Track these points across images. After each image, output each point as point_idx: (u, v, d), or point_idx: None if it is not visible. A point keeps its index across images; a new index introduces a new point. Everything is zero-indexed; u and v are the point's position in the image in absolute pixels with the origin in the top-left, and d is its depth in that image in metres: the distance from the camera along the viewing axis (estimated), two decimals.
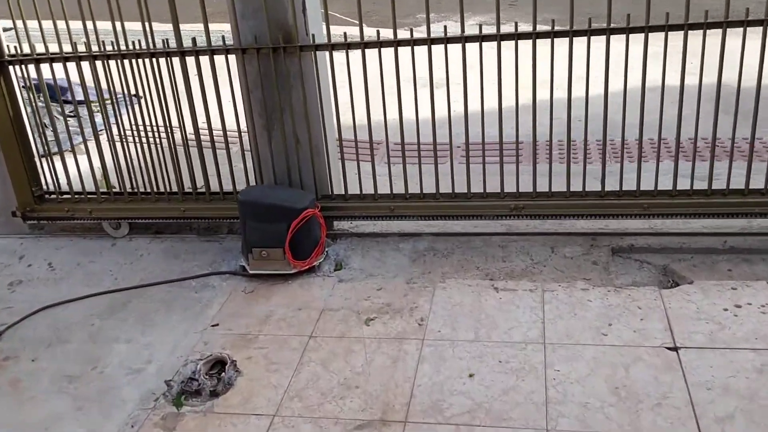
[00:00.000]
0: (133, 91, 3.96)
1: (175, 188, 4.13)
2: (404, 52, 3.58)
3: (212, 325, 3.44)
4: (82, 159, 4.24)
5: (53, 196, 4.35)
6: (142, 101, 3.95)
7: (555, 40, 3.41)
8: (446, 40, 3.53)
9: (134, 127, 4.01)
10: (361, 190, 3.95)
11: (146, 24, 3.75)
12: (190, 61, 3.84)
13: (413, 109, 3.68)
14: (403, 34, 3.59)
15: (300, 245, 3.70)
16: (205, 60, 3.81)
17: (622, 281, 3.48)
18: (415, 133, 3.70)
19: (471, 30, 3.52)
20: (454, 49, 3.55)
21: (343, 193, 3.98)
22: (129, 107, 3.99)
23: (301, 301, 3.56)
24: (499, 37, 3.47)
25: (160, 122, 4.00)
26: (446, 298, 3.45)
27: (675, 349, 2.96)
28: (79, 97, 4.13)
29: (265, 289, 3.70)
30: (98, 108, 4.07)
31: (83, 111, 4.32)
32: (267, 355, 3.18)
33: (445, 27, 3.54)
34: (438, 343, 3.13)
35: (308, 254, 3.74)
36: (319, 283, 3.71)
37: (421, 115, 3.68)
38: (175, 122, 3.97)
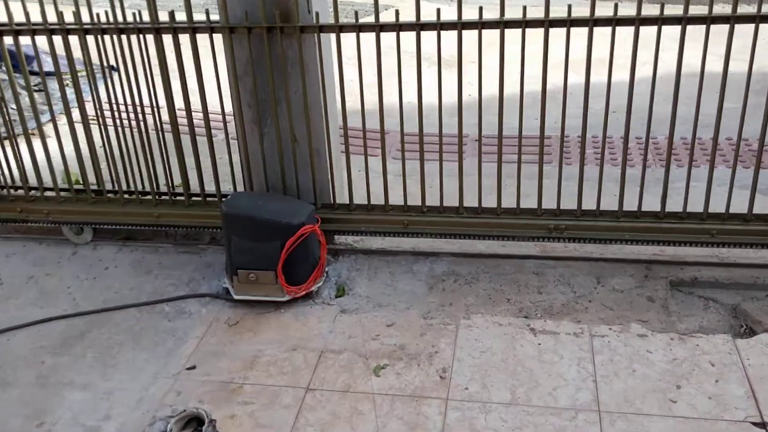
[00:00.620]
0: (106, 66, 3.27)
1: (147, 187, 3.48)
2: (427, 37, 2.93)
3: (188, 368, 2.82)
4: (41, 147, 3.55)
5: (4, 191, 3.67)
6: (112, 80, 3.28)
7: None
8: (481, 25, 2.86)
9: (99, 112, 3.33)
10: (369, 196, 3.30)
11: None
12: (168, 40, 3.16)
13: (430, 102, 3.03)
14: (427, 7, 2.91)
15: (295, 268, 3.07)
16: (185, 39, 3.13)
17: (686, 325, 2.88)
18: (432, 129, 3.06)
19: (513, 12, 2.85)
20: (490, 34, 2.90)
21: (348, 202, 3.34)
22: (106, 81, 3.28)
23: (296, 338, 2.94)
24: (548, 23, 2.81)
25: (131, 108, 3.33)
26: (473, 341, 2.84)
27: (763, 425, 2.38)
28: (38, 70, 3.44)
29: (252, 319, 3.08)
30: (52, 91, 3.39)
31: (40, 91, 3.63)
32: (253, 413, 2.57)
33: (481, 8, 2.87)
34: (466, 405, 2.53)
35: (305, 278, 3.12)
36: (317, 314, 3.09)
37: (440, 108, 3.03)
38: (150, 110, 3.30)
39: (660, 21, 2.72)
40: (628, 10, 2.76)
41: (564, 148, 4.44)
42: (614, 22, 2.75)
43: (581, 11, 2.84)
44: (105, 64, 3.23)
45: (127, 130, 3.37)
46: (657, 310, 2.95)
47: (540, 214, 3.16)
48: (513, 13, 2.84)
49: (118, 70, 3.25)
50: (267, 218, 3.02)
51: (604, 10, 2.79)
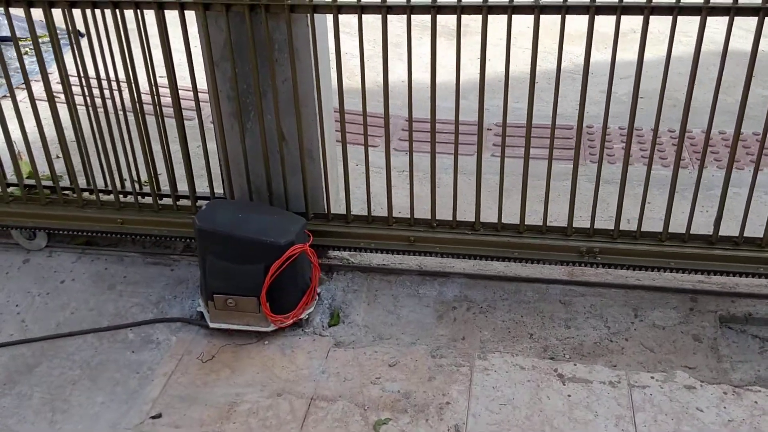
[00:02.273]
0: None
1: (109, 184, 2.98)
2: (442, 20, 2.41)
3: (152, 417, 2.38)
4: None
5: None
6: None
7: None
8: (512, 9, 2.34)
9: (48, 90, 2.80)
10: (369, 201, 2.81)
11: None
12: (130, 15, 2.62)
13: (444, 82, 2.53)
14: None
15: (282, 293, 2.61)
16: (150, 16, 2.60)
17: (741, 375, 2.45)
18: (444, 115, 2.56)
19: None
20: (520, 19, 2.39)
21: (344, 212, 2.85)
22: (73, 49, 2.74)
23: (282, 380, 2.49)
24: (566, 9, 2.30)
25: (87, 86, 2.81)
26: (490, 390, 2.41)
27: None
28: None
29: (230, 352, 2.63)
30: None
31: None
32: None
33: None
34: None
35: (293, 305, 2.66)
36: (307, 347, 2.63)
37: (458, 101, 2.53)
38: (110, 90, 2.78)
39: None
40: None
41: (591, 142, 3.98)
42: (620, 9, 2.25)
43: None
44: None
45: (84, 113, 2.85)
46: (705, 353, 2.52)
47: (570, 234, 2.69)
48: None
49: (82, 35, 2.72)
50: (249, 236, 2.54)
51: None
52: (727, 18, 2.24)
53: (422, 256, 2.88)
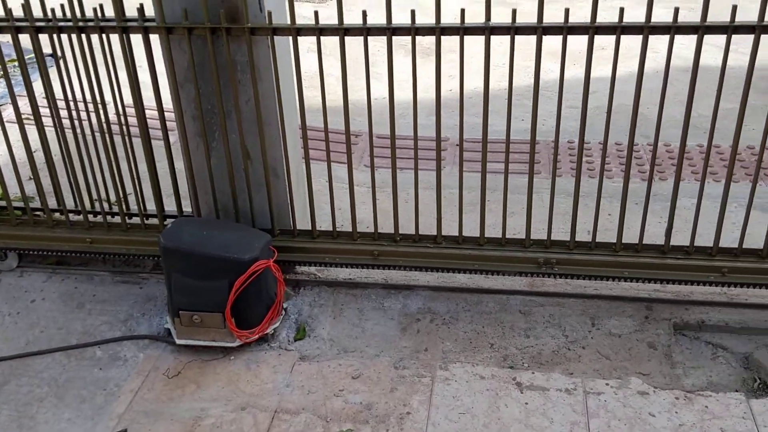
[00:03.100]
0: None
1: (77, 205, 3.03)
2: (402, 41, 2.50)
3: None
4: None
5: None
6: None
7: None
8: (463, 30, 2.43)
9: (17, 113, 2.86)
10: (333, 218, 2.88)
11: None
12: (95, 39, 2.69)
13: (404, 100, 2.61)
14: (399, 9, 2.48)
15: (247, 309, 2.66)
16: (115, 39, 2.66)
17: (693, 381, 2.52)
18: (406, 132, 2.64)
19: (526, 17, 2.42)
20: (473, 41, 2.47)
21: (310, 228, 2.92)
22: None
23: (247, 394, 2.54)
24: (515, 30, 2.38)
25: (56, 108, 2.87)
26: (451, 400, 2.46)
27: None
28: None
29: (196, 368, 2.67)
30: None
31: None
32: None
33: (463, 10, 2.43)
34: None
35: (258, 320, 2.71)
36: (272, 362, 2.68)
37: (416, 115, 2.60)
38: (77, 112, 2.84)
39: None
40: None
41: (552, 156, 4.07)
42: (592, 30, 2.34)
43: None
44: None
45: (53, 134, 2.91)
46: (659, 360, 2.59)
47: (528, 245, 2.76)
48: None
49: (59, 58, 2.79)
50: (213, 253, 2.59)
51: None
52: (695, 36, 2.32)
53: (387, 270, 2.94)
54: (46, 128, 2.89)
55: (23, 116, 2.91)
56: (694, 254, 2.67)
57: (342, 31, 2.50)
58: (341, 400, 2.50)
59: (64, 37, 2.72)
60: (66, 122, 2.88)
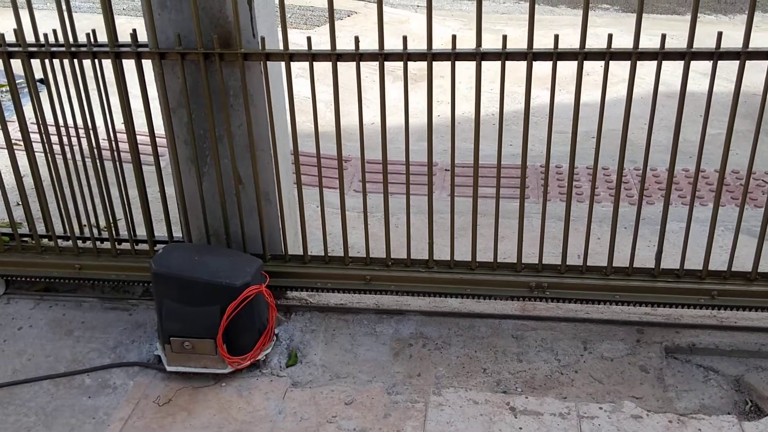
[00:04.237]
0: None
1: (66, 231, 3.01)
2: (391, 67, 2.52)
3: None
4: None
5: None
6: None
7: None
8: (454, 56, 2.46)
9: (5, 137, 2.85)
10: (325, 243, 2.89)
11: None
12: (87, 65, 2.69)
13: (395, 125, 2.62)
14: (392, 14, 2.51)
15: (239, 335, 2.64)
16: (108, 65, 2.67)
17: (685, 404, 2.53)
18: (397, 157, 2.65)
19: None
20: (459, 67, 2.50)
21: (302, 253, 2.91)
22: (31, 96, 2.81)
23: (239, 422, 2.51)
24: (504, 56, 2.42)
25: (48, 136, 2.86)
26: (444, 425, 2.45)
27: None
28: None
29: (187, 395, 2.64)
30: None
31: None
32: None
33: (454, 37, 2.46)
34: None
35: (250, 346, 2.69)
36: (264, 388, 2.66)
37: (407, 142, 2.62)
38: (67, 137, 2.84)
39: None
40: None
41: (540, 181, 4.11)
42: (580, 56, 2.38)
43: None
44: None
45: (42, 159, 2.90)
46: (652, 383, 2.59)
47: (519, 269, 2.77)
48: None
49: (44, 82, 2.79)
50: (204, 279, 2.58)
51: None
52: (682, 62, 2.37)
53: (379, 295, 2.94)
54: (35, 153, 2.89)
55: (12, 141, 2.90)
56: (684, 277, 2.69)
57: (335, 56, 2.52)
58: (334, 426, 2.47)
59: (55, 62, 2.74)
60: (56, 147, 2.88)
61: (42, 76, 2.78)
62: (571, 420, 2.45)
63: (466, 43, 2.46)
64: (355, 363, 2.76)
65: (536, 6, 2.42)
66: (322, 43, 2.50)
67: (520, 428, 2.43)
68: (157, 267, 2.61)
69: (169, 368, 2.69)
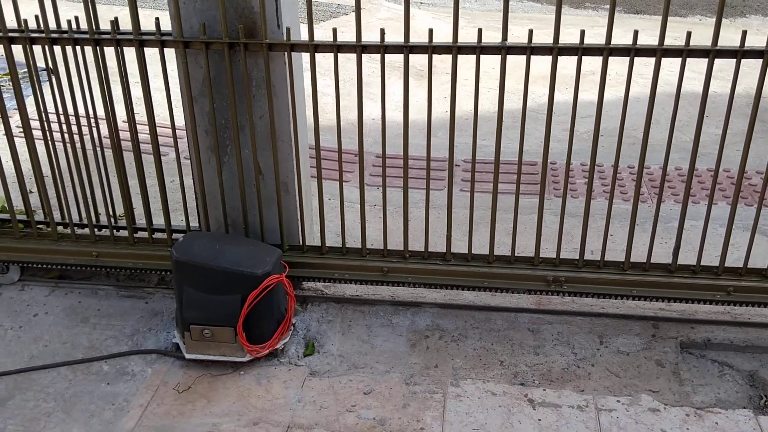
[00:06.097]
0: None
1: (85, 218, 3.01)
2: (416, 59, 2.54)
3: None
4: None
5: None
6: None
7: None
8: (480, 49, 2.48)
9: (25, 124, 2.85)
10: (343, 234, 2.90)
11: None
12: (110, 52, 2.70)
13: (416, 120, 2.64)
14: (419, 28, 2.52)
15: (258, 324, 2.65)
16: (130, 53, 2.67)
17: (702, 398, 2.56)
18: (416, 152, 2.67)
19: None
20: (485, 61, 2.52)
21: (319, 244, 2.93)
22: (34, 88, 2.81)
23: (258, 409, 2.52)
24: (530, 50, 2.44)
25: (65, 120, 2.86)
26: (463, 416, 2.47)
27: None
28: None
29: (206, 383, 2.65)
30: None
31: None
32: None
33: (480, 31, 2.48)
34: None
35: (269, 335, 2.70)
36: (283, 377, 2.67)
37: (429, 139, 2.64)
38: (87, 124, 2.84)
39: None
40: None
41: (556, 177, 4.13)
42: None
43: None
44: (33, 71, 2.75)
45: (60, 147, 2.90)
46: (668, 378, 2.62)
47: (537, 263, 2.80)
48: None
49: (53, 72, 2.78)
50: (226, 267, 2.59)
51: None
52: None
53: (395, 287, 2.95)
54: (55, 142, 2.89)
55: (31, 128, 2.90)
56: (700, 273, 2.72)
57: (359, 48, 2.53)
58: (354, 415, 2.49)
59: (76, 48, 2.74)
60: (74, 135, 2.88)
61: (50, 66, 2.78)
62: (590, 412, 2.47)
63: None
64: (372, 353, 2.78)
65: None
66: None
67: (539, 420, 2.45)
68: (179, 255, 2.62)
69: (188, 356, 2.70)
